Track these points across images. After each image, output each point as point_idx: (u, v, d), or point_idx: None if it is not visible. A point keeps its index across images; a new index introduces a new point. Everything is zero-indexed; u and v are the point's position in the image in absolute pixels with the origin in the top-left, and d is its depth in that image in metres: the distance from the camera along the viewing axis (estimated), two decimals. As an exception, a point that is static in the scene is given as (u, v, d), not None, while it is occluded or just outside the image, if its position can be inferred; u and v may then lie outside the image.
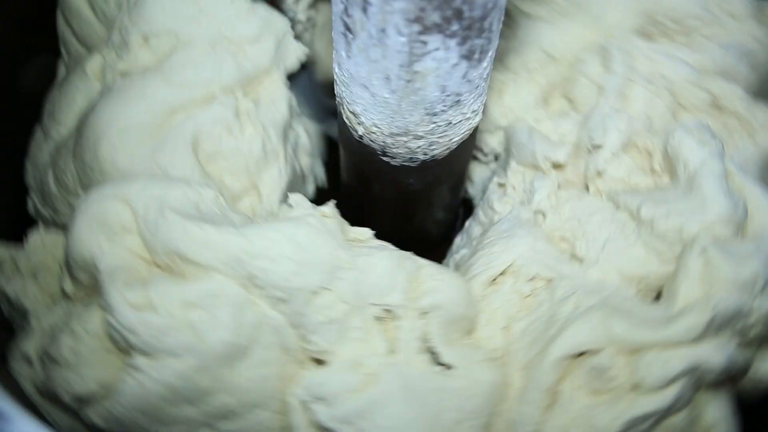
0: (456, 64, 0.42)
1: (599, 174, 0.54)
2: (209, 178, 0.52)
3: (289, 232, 0.45)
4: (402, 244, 0.63)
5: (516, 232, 0.52)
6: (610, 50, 0.57)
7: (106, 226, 0.45)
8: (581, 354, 0.46)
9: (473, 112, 0.48)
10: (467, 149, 0.53)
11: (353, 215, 0.61)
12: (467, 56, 0.42)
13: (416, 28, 0.39)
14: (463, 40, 0.41)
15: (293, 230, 0.45)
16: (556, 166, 0.55)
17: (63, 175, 0.53)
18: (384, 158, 0.51)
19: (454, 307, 0.47)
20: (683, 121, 0.55)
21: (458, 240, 0.62)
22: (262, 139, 0.54)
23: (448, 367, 0.46)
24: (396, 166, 0.51)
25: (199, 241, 0.44)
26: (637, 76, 0.56)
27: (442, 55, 0.41)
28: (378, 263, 0.46)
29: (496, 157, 0.64)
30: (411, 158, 0.50)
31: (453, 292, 0.47)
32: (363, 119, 0.48)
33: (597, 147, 0.54)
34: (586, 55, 0.59)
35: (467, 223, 0.62)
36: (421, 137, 0.48)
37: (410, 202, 0.58)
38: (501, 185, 0.59)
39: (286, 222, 0.46)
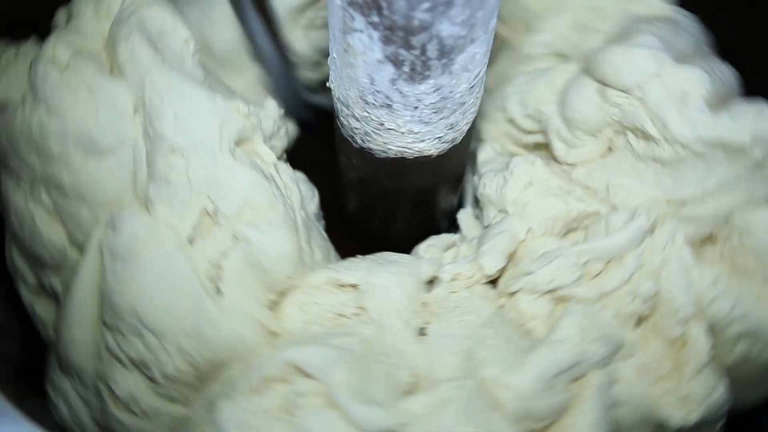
0: (382, 62, 0.43)
1: (510, 294, 0.51)
2: None
3: (193, 94, 0.49)
4: (366, 238, 0.65)
5: (396, 269, 0.51)
6: (636, 219, 0.51)
7: (100, 3, 0.52)
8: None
9: (410, 132, 0.48)
10: (414, 171, 0.52)
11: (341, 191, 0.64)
12: (394, 62, 0.42)
13: (346, -4, 0.41)
14: (387, 40, 0.41)
15: (197, 96, 0.49)
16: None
17: None
18: (338, 122, 0.53)
19: (262, 256, 0.48)
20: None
21: None
22: None
23: (218, 291, 0.48)
24: (344, 136, 0.53)
25: (132, 51, 0.50)
26: (630, 261, 0.50)
27: (366, 41, 0.42)
28: (238, 174, 0.49)
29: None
30: (351, 137, 0.51)
31: (272, 246, 0.49)
32: (330, 73, 0.50)
33: (525, 273, 0.51)
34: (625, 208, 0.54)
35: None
36: (358, 120, 0.49)
37: (365, 192, 0.59)
38: (452, 246, 0.57)
39: (203, 90, 0.50)
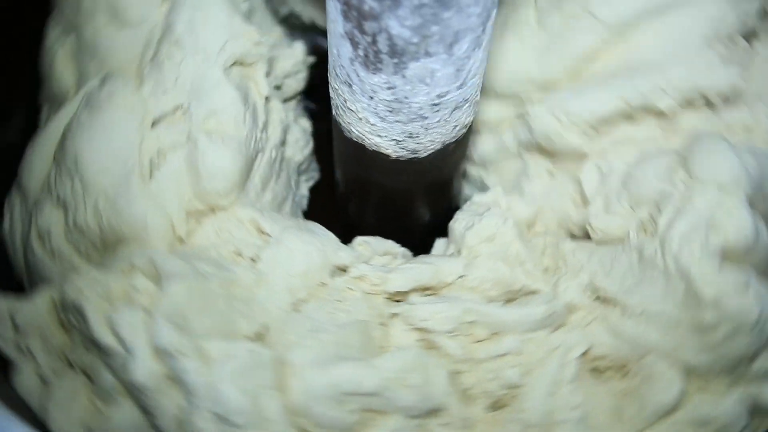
0: (342, 37, 0.44)
1: (391, 316, 0.51)
2: None
3: (216, 4, 0.53)
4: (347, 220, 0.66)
5: (312, 241, 0.52)
6: (536, 307, 0.50)
7: None
8: None
9: (367, 120, 0.48)
10: (375, 164, 0.53)
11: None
12: (351, 41, 0.43)
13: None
14: (345, 16, 0.42)
15: (219, 8, 0.53)
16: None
17: None
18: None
19: (200, 162, 0.51)
20: None
21: None
22: None
23: (150, 176, 0.51)
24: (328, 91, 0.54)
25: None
26: (508, 342, 0.49)
27: (333, 11, 0.43)
28: (221, 88, 0.52)
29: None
30: (331, 106, 0.53)
31: (213, 158, 0.51)
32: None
33: (410, 302, 0.51)
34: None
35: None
36: (333, 90, 0.50)
37: (341, 169, 0.60)
38: (390, 254, 0.57)
39: (228, 6, 0.53)
